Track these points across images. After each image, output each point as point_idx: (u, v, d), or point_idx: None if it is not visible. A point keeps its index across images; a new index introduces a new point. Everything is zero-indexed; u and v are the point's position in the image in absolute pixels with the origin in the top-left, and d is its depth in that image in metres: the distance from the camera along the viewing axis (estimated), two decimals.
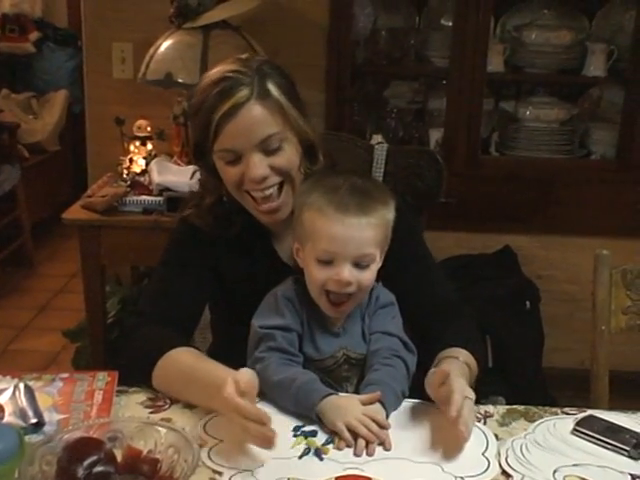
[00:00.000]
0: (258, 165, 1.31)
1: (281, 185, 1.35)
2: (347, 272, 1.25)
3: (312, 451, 1.13)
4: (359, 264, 1.26)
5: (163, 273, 1.44)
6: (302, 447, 1.14)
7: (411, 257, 1.42)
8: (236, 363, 1.20)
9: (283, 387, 1.23)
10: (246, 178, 1.33)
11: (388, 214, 1.29)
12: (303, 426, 1.19)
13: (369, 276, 1.28)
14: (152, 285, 1.48)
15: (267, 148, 1.32)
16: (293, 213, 1.35)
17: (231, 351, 1.34)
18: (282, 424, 1.19)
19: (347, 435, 1.14)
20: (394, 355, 1.30)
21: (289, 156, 1.34)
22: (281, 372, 1.25)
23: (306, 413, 1.20)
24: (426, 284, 1.44)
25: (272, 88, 1.32)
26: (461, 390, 1.16)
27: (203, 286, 1.43)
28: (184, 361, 1.28)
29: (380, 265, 1.30)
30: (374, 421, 1.16)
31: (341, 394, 1.25)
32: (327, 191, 1.26)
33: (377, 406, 1.21)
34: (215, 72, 1.34)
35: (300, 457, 1.12)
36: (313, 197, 1.27)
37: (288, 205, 1.37)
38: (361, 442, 1.14)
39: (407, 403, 1.27)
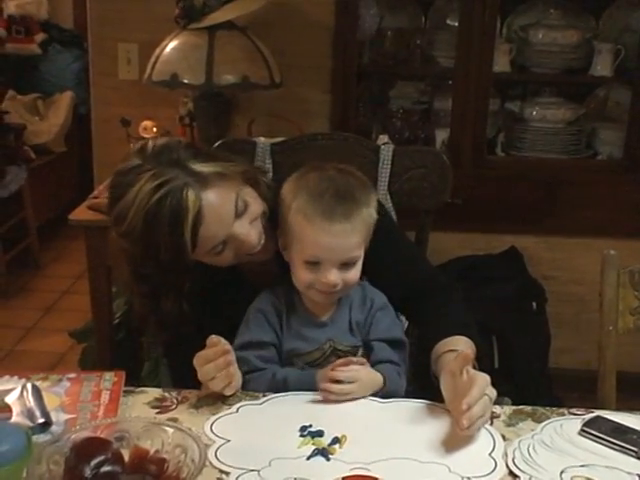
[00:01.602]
0: (247, 233, 1.31)
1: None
2: (333, 276, 1.28)
3: (319, 451, 1.12)
4: (345, 264, 1.29)
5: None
6: (308, 447, 1.14)
7: (382, 242, 1.39)
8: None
9: (279, 389, 1.28)
10: (245, 250, 1.33)
11: (371, 214, 1.31)
12: (310, 426, 1.19)
13: (354, 274, 1.32)
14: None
15: (240, 214, 1.31)
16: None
17: None
18: (288, 424, 1.19)
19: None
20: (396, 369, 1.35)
21: (255, 201, 1.35)
22: (265, 383, 1.30)
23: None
24: (404, 270, 1.45)
25: (200, 167, 1.26)
26: (482, 387, 1.17)
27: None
28: None
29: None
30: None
31: None
32: (312, 196, 1.27)
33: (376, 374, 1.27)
34: (142, 198, 1.22)
35: (308, 458, 1.11)
36: (298, 201, 1.28)
37: (262, 232, 1.37)
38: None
39: (414, 403, 1.27)
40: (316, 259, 1.28)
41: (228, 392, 1.25)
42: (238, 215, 1.31)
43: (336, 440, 1.15)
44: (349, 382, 1.24)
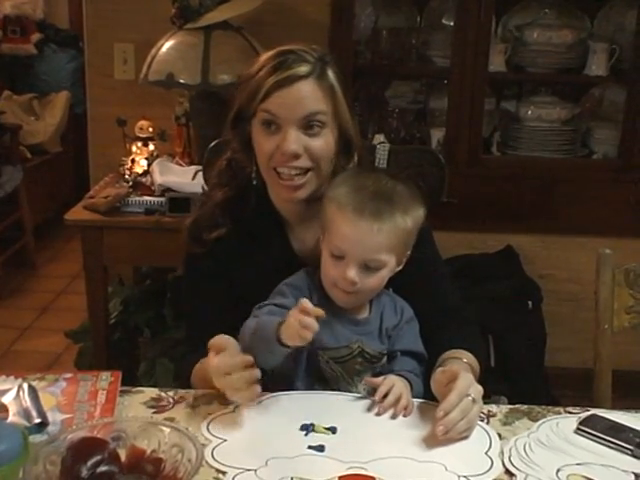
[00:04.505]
0: (293, 140, 1.31)
1: (306, 172, 1.35)
2: (353, 273, 1.26)
3: (315, 447, 1.13)
4: (368, 266, 1.27)
5: (192, 307, 1.47)
6: (307, 444, 1.14)
7: (418, 260, 1.39)
8: None
9: (252, 333, 1.22)
10: (279, 151, 1.32)
11: (405, 222, 1.28)
12: (307, 426, 1.18)
13: (375, 281, 1.29)
14: (188, 316, 1.51)
15: (308, 128, 1.32)
16: (310, 202, 1.37)
17: None
18: (285, 423, 1.19)
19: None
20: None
21: (325, 144, 1.34)
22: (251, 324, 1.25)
23: (272, 345, 1.18)
24: (431, 287, 1.44)
25: (330, 74, 1.34)
26: (462, 390, 1.17)
27: (229, 307, 1.39)
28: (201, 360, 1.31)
29: (396, 271, 1.31)
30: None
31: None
32: (351, 190, 1.28)
33: (402, 381, 1.26)
34: (277, 49, 1.34)
35: (306, 451, 1.12)
36: (338, 192, 1.29)
37: (308, 188, 1.36)
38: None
39: None
40: (340, 252, 1.26)
41: (247, 403, 1.22)
42: (304, 125, 1.31)
43: (334, 430, 1.17)
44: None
